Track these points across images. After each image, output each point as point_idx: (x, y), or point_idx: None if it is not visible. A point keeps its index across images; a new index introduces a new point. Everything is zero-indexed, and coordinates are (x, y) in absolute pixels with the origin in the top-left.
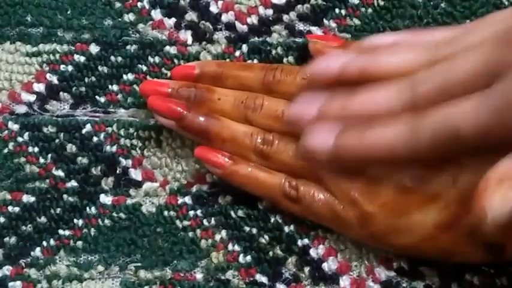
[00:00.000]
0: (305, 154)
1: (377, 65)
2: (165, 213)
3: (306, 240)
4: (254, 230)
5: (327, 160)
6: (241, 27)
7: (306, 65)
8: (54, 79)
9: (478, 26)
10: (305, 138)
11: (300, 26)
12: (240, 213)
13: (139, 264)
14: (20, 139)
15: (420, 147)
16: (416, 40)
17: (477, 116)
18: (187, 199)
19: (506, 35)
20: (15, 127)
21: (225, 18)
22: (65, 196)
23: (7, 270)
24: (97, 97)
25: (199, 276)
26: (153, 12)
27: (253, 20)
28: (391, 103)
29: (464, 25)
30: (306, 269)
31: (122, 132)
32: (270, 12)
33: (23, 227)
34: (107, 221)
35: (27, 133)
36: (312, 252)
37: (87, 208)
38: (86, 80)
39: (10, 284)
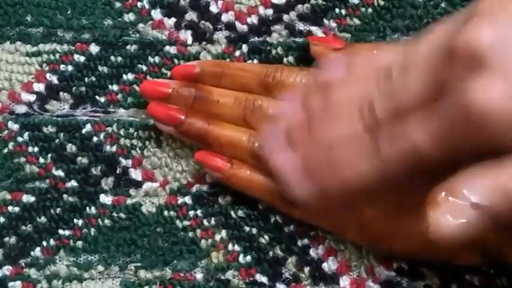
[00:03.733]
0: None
1: (334, 99)
2: (165, 213)
3: (306, 240)
4: (254, 230)
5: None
6: (241, 27)
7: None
8: (54, 79)
9: (419, 44)
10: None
11: (300, 26)
12: (240, 213)
13: (139, 264)
14: (20, 139)
15: (390, 172)
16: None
17: (430, 130)
18: (187, 199)
19: (445, 52)
20: (15, 127)
21: (225, 18)
22: (65, 196)
23: (7, 270)
24: (97, 97)
25: (199, 276)
26: (153, 12)
27: (253, 19)
28: (352, 130)
29: (407, 42)
30: (306, 269)
31: (121, 132)
32: (270, 12)
33: (23, 227)
34: (107, 221)
35: (27, 133)
36: (312, 252)
37: (87, 208)
38: (86, 80)
39: (10, 284)
